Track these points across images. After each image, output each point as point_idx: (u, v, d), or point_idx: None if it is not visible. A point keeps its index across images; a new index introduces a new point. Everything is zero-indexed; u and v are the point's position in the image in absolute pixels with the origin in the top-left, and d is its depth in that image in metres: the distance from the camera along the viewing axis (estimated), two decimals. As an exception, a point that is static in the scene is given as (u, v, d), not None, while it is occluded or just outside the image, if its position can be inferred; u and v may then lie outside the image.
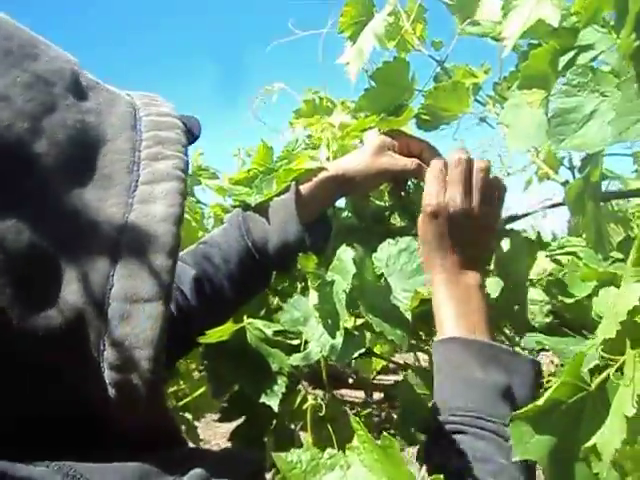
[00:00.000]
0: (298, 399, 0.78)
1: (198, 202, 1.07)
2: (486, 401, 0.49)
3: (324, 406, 0.67)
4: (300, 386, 0.77)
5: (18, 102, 0.32)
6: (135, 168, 0.36)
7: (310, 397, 0.70)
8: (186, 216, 0.92)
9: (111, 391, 0.33)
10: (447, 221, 0.60)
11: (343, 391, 0.99)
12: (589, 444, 0.33)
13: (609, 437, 0.32)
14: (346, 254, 0.63)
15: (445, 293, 0.59)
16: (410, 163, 0.70)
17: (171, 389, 1.09)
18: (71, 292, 0.32)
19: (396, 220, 0.82)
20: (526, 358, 0.51)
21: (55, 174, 0.33)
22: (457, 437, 0.47)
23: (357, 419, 0.32)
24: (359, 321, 0.69)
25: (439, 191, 0.61)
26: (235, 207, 0.77)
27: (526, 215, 0.69)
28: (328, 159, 0.86)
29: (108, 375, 0.33)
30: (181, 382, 1.12)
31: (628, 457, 0.30)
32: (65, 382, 0.34)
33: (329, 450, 0.32)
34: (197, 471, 0.33)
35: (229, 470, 0.37)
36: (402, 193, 0.80)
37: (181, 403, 1.09)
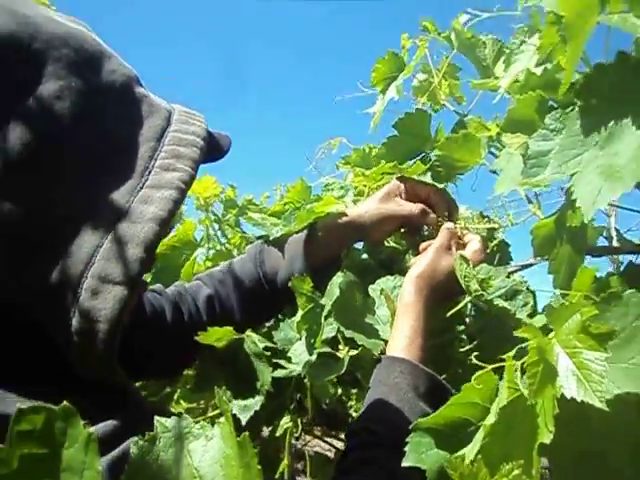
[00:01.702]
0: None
1: (243, 233, 1.16)
2: None
3: (300, 429, 0.67)
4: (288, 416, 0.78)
5: (67, 102, 0.41)
6: (147, 173, 0.44)
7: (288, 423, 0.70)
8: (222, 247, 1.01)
9: (75, 340, 0.40)
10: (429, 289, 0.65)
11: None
12: (458, 454, 0.32)
13: (471, 449, 0.31)
14: (336, 280, 0.67)
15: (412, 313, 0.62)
16: (415, 209, 0.73)
17: (193, 405, 1.13)
18: (63, 262, 0.40)
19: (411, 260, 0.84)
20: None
21: (81, 167, 0.41)
22: (388, 453, 0.48)
23: (224, 398, 0.35)
24: (353, 352, 0.71)
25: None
26: (259, 238, 0.84)
27: (530, 266, 0.67)
28: (354, 202, 0.91)
29: (75, 338, 0.40)
30: (202, 401, 1.16)
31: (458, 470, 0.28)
32: (42, 329, 0.42)
33: (202, 422, 0.34)
34: (110, 422, 0.39)
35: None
36: (417, 237, 0.82)
37: (210, 414, 1.11)
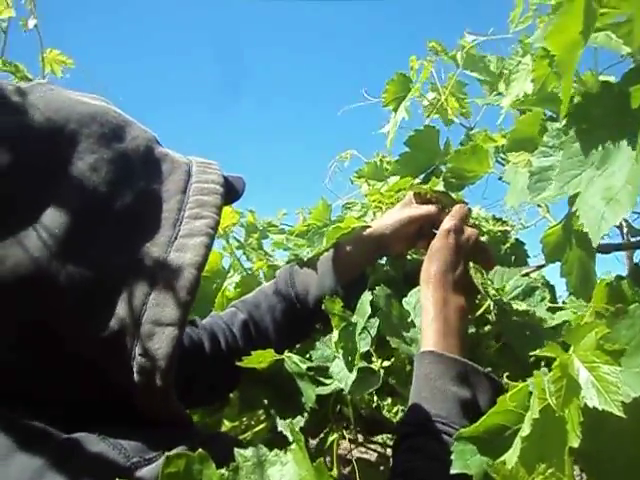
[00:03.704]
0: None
1: (266, 254, 1.21)
2: (453, 411, 0.56)
3: (347, 439, 0.72)
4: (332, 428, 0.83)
5: (102, 173, 0.47)
6: (178, 224, 0.49)
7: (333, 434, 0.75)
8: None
9: (137, 379, 0.45)
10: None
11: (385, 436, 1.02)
12: (499, 460, 0.37)
13: (511, 455, 0.36)
14: (366, 297, 0.71)
15: (434, 312, 0.66)
16: (432, 208, 0.78)
17: (234, 423, 1.18)
18: (120, 312, 0.45)
19: None
20: (488, 377, 0.60)
21: (122, 227, 0.47)
22: (422, 438, 0.55)
23: (295, 429, 0.39)
24: (386, 363, 0.76)
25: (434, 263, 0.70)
26: (289, 261, 0.88)
27: (545, 265, 0.71)
28: (372, 220, 0.95)
29: (136, 377, 0.45)
30: (244, 419, 1.22)
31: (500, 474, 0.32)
32: (106, 374, 0.47)
33: (276, 450, 0.39)
34: (181, 447, 0.43)
35: (213, 447, 0.46)
36: None
37: (243, 436, 1.17)
